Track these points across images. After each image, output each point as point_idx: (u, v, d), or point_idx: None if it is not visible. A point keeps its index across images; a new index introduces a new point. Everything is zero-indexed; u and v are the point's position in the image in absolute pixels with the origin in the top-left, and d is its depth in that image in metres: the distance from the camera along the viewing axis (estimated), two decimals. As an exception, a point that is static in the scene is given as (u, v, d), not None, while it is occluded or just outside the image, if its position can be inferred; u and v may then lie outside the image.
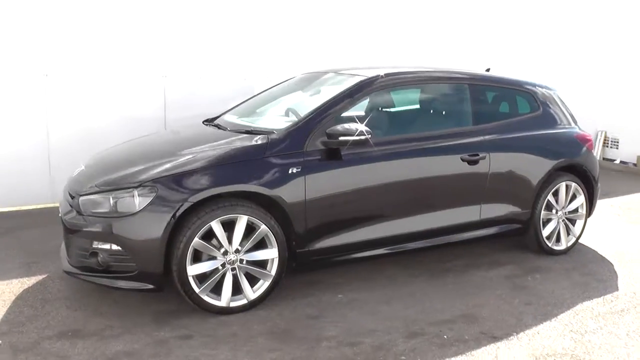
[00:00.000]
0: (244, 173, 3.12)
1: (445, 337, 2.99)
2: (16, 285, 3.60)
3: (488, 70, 4.64)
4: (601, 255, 4.29)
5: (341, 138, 3.22)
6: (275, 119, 3.90)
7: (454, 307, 3.35)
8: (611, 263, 4.13)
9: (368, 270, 3.81)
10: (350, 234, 3.41)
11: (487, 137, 3.87)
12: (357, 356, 2.76)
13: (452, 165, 3.70)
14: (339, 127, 3.23)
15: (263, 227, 3.13)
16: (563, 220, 4.24)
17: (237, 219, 3.08)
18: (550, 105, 4.32)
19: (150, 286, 3.03)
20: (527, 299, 3.49)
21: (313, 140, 3.30)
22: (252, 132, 3.48)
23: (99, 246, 3.06)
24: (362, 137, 3.21)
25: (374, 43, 6.85)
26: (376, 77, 3.63)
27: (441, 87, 3.97)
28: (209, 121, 4.22)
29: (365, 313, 3.24)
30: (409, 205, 3.60)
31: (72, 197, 3.27)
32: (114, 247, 3.01)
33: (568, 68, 7.90)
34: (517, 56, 7.78)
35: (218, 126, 3.90)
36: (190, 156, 3.20)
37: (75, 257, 3.20)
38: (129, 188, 3.02)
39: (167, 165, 3.12)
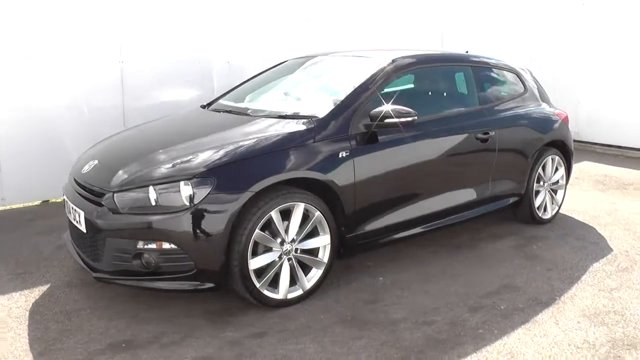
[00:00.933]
0: (300, 159, 2.98)
1: (502, 307, 3.12)
2: (20, 300, 3.15)
3: (467, 52, 4.84)
4: (579, 221, 4.71)
5: (387, 120, 3.20)
6: (292, 102, 3.74)
7: (488, 279, 3.49)
8: (592, 227, 4.55)
9: (389, 252, 3.83)
10: (392, 215, 3.42)
11: (492, 116, 4.06)
12: (440, 334, 2.79)
13: (470, 143, 3.83)
14: (385, 109, 3.20)
15: (317, 213, 3.03)
16: (549, 191, 4.59)
17: (294, 207, 2.95)
18: (533, 85, 4.63)
19: (210, 285, 2.80)
20: (545, 265, 3.74)
21: (355, 123, 3.24)
22: (285, 117, 3.33)
23: (146, 246, 2.77)
24: (409, 119, 3.21)
25: (331, 26, 6.81)
26: (400, 59, 3.65)
27: (454, 68, 4.09)
28: (208, 106, 3.97)
29: (416, 293, 3.28)
30: (439, 184, 3.68)
31: (99, 195, 2.92)
32: (167, 245, 2.74)
33: (485, 41, 8.25)
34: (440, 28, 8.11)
35: (231, 111, 3.69)
36: (235, 143, 2.98)
37: (110, 260, 2.86)
38: (180, 180, 2.75)
39: (215, 154, 2.88)
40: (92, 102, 5.24)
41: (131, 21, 5.33)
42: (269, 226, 2.91)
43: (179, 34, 5.68)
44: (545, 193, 4.56)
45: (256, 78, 4.40)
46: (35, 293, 3.26)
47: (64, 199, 3.36)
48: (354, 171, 3.15)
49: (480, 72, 4.18)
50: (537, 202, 4.48)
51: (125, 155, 3.16)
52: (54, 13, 4.91)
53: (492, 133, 3.96)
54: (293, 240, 2.99)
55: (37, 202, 5.20)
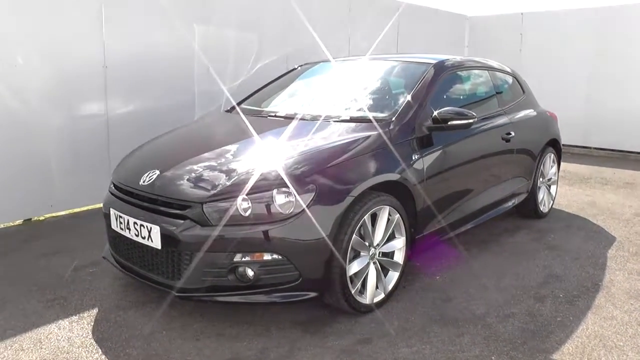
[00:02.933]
0: (386, 162, 2.98)
1: (561, 295, 3.32)
2: (75, 328, 2.87)
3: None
4: (571, 213, 5.12)
5: (451, 122, 3.29)
6: (350, 106, 3.64)
7: (532, 271, 3.70)
8: (585, 218, 4.97)
9: (427, 251, 3.92)
10: (451, 214, 3.52)
11: (509, 118, 4.30)
12: (528, 325, 2.92)
13: (500, 143, 4.04)
14: (448, 111, 3.29)
15: (397, 216, 3.04)
16: (547, 187, 4.95)
17: (380, 210, 2.94)
18: (528, 88, 4.97)
19: (313, 294, 2.71)
20: (570, 255, 4.03)
21: (419, 125, 3.30)
22: (355, 120, 3.29)
23: (244, 259, 2.62)
24: (470, 120, 3.33)
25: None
26: (441, 62, 3.77)
27: (480, 72, 4.27)
28: (232, 111, 3.86)
29: (479, 289, 3.39)
30: (482, 181, 3.85)
31: (180, 207, 2.72)
32: (268, 256, 2.61)
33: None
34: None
35: (276, 115, 3.60)
36: (322, 148, 2.90)
37: (199, 277, 2.67)
38: (280, 187, 2.64)
39: (308, 159, 2.79)
40: (74, 110, 4.83)
41: (113, 22, 4.98)
42: (363, 230, 2.88)
43: (161, 37, 5.40)
44: (544, 188, 4.90)
45: (277, 84, 4.30)
46: (86, 319, 2.95)
47: (112, 215, 3.06)
48: (424, 173, 3.21)
49: (495, 75, 4.42)
50: (539, 197, 4.81)
51: (193, 163, 2.96)
52: (35, 15, 4.48)
53: (512, 133, 4.19)
54: (377, 245, 2.98)
55: (19, 222, 4.67)
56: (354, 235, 2.77)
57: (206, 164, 2.93)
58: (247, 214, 2.62)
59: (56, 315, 3.00)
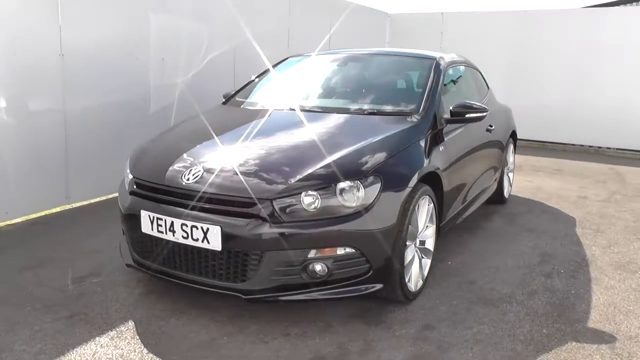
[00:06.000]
0: (427, 153, 3.09)
1: (562, 271, 3.67)
2: (121, 345, 2.64)
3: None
4: (526, 198, 5.62)
5: (468, 115, 3.48)
6: (374, 100, 3.71)
7: (525, 251, 4.02)
8: (541, 202, 5.48)
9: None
10: (463, 201, 3.72)
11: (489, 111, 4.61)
12: (553, 299, 3.19)
13: (485, 134, 4.33)
14: (466, 105, 3.48)
15: (431, 205, 3.17)
16: (507, 174, 5.38)
17: (422, 200, 3.04)
18: (489, 84, 5.35)
19: (380, 286, 2.75)
20: (547, 235, 4.42)
21: (439, 117, 3.45)
22: (389, 113, 3.37)
23: (317, 255, 2.59)
24: (485, 114, 3.54)
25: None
26: (442, 57, 3.97)
27: (465, 68, 4.52)
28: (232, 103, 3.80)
29: (492, 271, 3.61)
30: (479, 168, 4.13)
31: (243, 205, 2.60)
32: (342, 250, 2.61)
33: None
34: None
35: (291, 109, 3.57)
36: (372, 140, 2.97)
37: (269, 276, 2.59)
38: (350, 181, 2.63)
39: (367, 152, 2.85)
40: (27, 104, 4.35)
41: (70, 7, 4.56)
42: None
43: (116, 26, 5.03)
44: (506, 176, 5.33)
45: (275, 77, 4.23)
46: (127, 333, 2.71)
47: (143, 217, 2.83)
48: (448, 162, 3.37)
49: (472, 71, 4.72)
50: (504, 184, 5.22)
51: (244, 157, 2.86)
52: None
53: (493, 126, 4.51)
54: (419, 233, 3.09)
55: (-24, 231, 4.12)
56: (409, 226, 2.85)
57: (260, 157, 2.85)
58: (318, 208, 2.59)
59: (88, 333, 2.72)
